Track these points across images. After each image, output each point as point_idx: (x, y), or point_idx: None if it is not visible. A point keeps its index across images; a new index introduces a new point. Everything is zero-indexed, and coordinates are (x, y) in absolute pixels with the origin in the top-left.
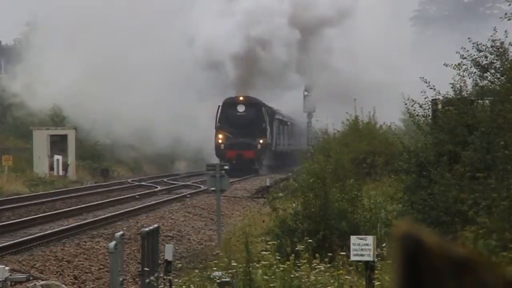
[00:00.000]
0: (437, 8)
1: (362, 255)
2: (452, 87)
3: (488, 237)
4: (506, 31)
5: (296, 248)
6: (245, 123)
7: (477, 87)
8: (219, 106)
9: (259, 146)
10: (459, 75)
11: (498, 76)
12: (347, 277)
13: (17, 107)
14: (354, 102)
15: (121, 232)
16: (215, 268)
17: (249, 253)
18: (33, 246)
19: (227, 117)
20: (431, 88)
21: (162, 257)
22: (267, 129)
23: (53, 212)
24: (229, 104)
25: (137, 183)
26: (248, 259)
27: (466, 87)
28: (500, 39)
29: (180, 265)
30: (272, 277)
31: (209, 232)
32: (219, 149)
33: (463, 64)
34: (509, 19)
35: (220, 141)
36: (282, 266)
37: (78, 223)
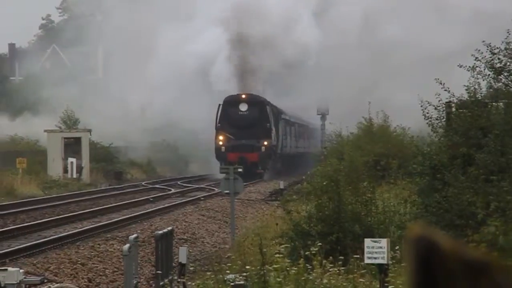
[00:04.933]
0: None
1: (376, 258)
2: (466, 90)
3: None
4: None
5: (307, 252)
6: (248, 123)
7: (491, 90)
8: (219, 104)
9: (263, 148)
10: (473, 77)
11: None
12: (360, 280)
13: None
14: (368, 105)
15: (135, 235)
16: (229, 271)
17: (263, 256)
18: (48, 249)
19: (228, 117)
20: (445, 90)
21: (176, 260)
22: (272, 130)
23: (67, 215)
24: (230, 103)
25: (151, 186)
26: (263, 261)
27: (480, 89)
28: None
29: (194, 268)
30: (286, 279)
31: (223, 235)
32: (220, 152)
33: (477, 66)
34: None
35: (220, 143)
36: (295, 269)
37: (92, 226)
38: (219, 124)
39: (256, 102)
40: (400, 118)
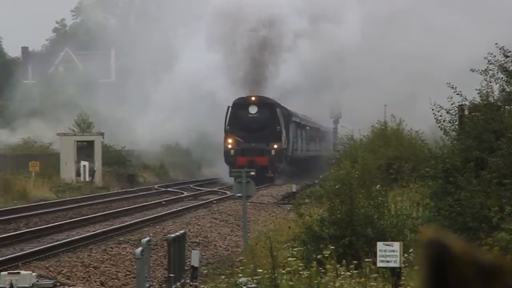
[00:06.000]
0: None
1: (388, 261)
2: (478, 93)
3: None
4: None
5: (319, 256)
6: (257, 126)
7: (503, 93)
8: (228, 107)
9: (273, 151)
10: (485, 80)
11: None
12: (373, 283)
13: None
14: (384, 108)
15: (147, 238)
16: (241, 274)
17: (274, 259)
18: (60, 252)
19: (238, 119)
20: (457, 94)
21: (188, 263)
22: (282, 133)
23: (80, 218)
24: (240, 105)
25: (163, 189)
26: (273, 265)
27: (493, 92)
28: None
29: (206, 271)
30: (298, 283)
31: (235, 238)
32: (229, 155)
33: (490, 70)
34: None
35: (229, 146)
36: (307, 272)
37: (105, 229)
38: (228, 127)
39: (266, 104)
40: (417, 125)
